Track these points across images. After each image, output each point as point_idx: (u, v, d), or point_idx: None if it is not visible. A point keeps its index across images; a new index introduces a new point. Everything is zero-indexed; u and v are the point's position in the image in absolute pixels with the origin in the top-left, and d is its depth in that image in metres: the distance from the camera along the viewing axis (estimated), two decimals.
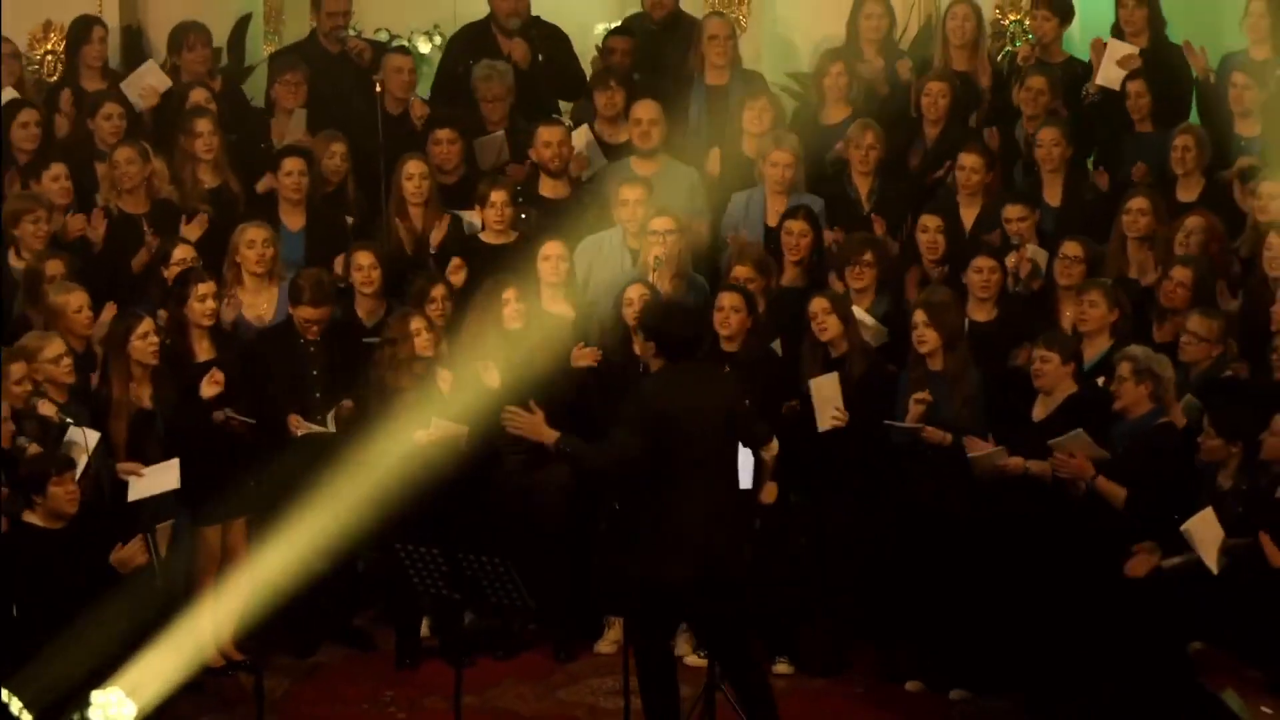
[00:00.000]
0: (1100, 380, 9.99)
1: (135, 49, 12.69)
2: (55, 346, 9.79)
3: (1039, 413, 9.94)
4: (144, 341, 9.96)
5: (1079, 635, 9.46)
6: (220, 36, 12.67)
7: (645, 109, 11.64)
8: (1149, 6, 11.94)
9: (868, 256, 10.79)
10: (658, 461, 8.64)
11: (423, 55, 13.35)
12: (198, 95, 11.78)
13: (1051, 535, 9.64)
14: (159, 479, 9.75)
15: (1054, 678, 9.54)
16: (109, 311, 10.39)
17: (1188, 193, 11.18)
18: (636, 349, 9.80)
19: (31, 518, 9.13)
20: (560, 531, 10.37)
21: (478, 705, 9.65)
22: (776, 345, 10.59)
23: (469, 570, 8.68)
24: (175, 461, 9.79)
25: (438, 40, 13.38)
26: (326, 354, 10.58)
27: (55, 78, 12.56)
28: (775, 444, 8.99)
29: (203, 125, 11.43)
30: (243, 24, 12.98)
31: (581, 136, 11.88)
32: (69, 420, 9.53)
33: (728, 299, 10.38)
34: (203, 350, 10.38)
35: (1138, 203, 10.83)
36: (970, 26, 12.05)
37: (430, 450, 10.14)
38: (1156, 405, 9.72)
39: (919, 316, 10.15)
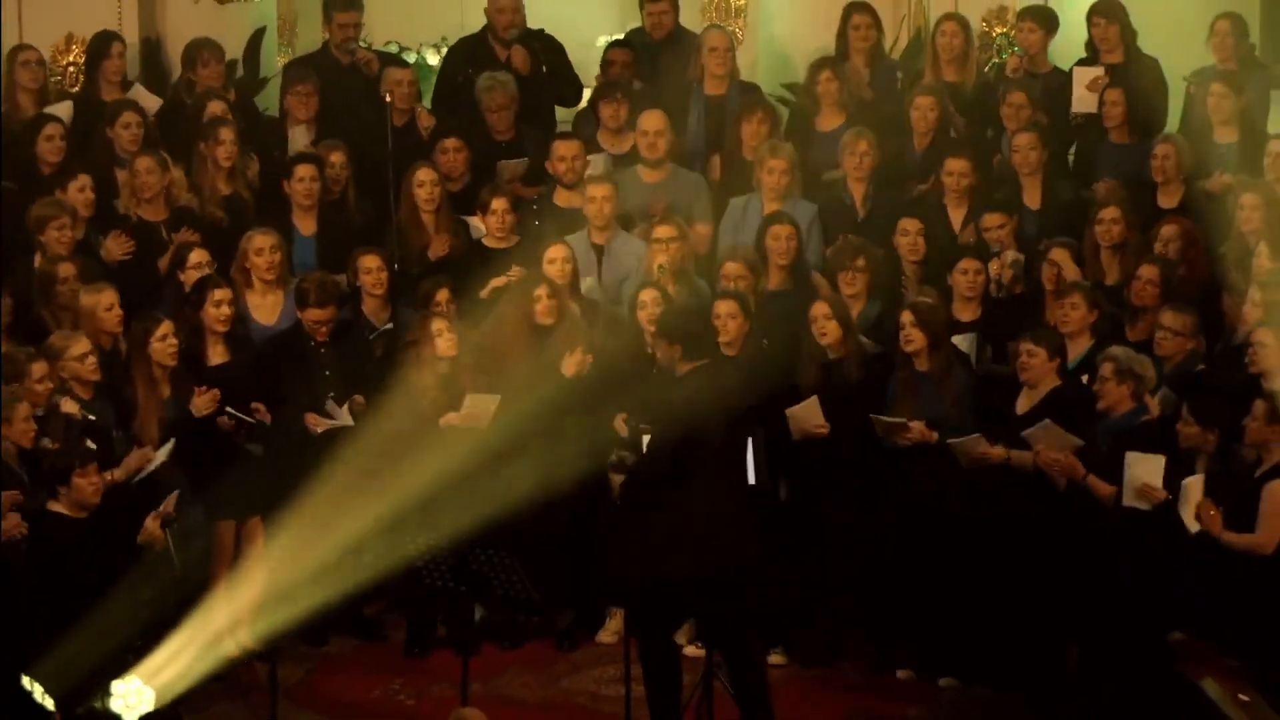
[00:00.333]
0: (1085, 378, 10.13)
1: (154, 61, 12.83)
2: (81, 345, 9.96)
3: (1023, 406, 10.08)
4: (163, 344, 10.14)
5: (1063, 626, 9.66)
6: (236, 49, 12.78)
7: (652, 120, 11.73)
8: (1120, 23, 11.99)
9: (860, 262, 10.86)
10: (672, 461, 8.78)
11: (431, 67, 13.39)
12: (215, 107, 11.89)
13: (1036, 530, 9.78)
14: (163, 454, 9.90)
15: (1040, 668, 9.72)
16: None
17: (1168, 199, 11.27)
18: (659, 356, 9.65)
19: (56, 507, 9.27)
20: (566, 524, 10.42)
21: (484, 693, 9.68)
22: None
23: (475, 564, 8.76)
24: (171, 441, 9.88)
25: (445, 52, 13.37)
26: (336, 355, 10.69)
27: (76, 88, 12.67)
28: None
29: (226, 134, 11.56)
30: (258, 36, 13.08)
31: (599, 165, 11.94)
32: (91, 417, 9.69)
33: (724, 306, 10.45)
34: (216, 354, 10.54)
35: (1110, 212, 10.91)
36: (959, 41, 12.14)
37: (458, 433, 10.22)
38: (1138, 404, 9.86)
39: (906, 317, 10.25)
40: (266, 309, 11.07)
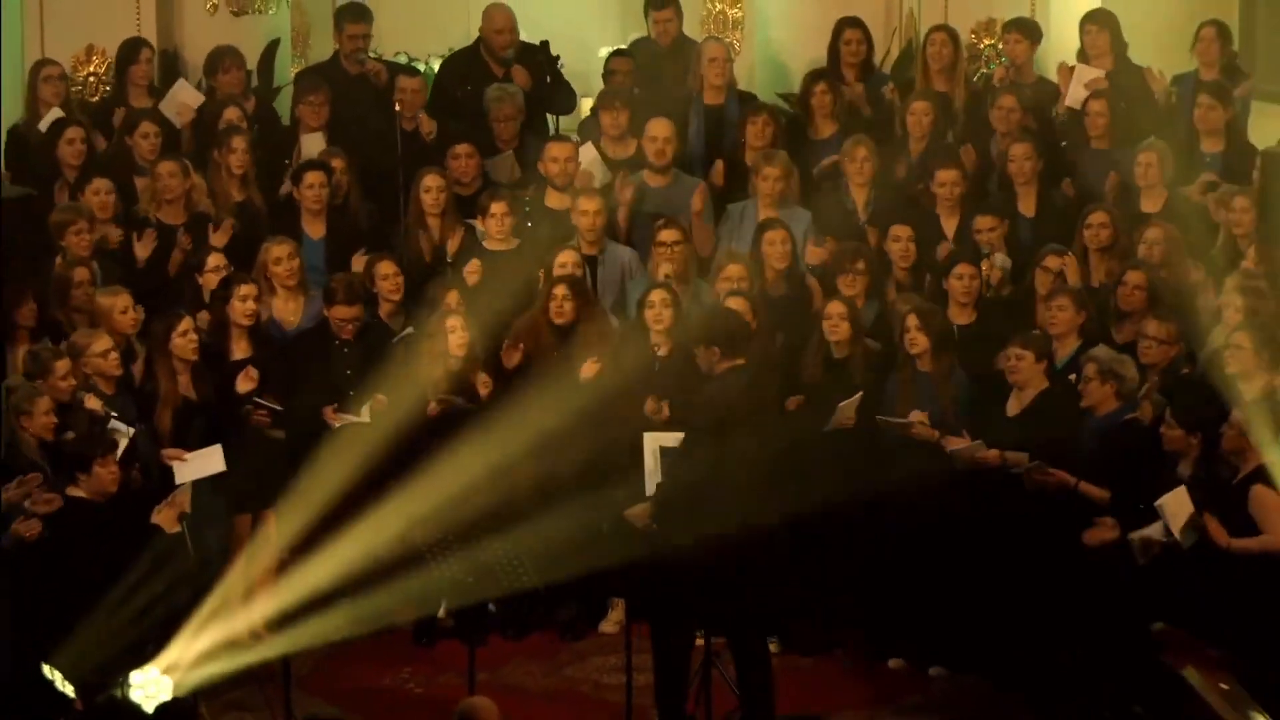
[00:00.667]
0: (1072, 377, 10.28)
1: (172, 71, 12.94)
2: (103, 342, 10.16)
3: (1013, 407, 10.24)
4: (184, 339, 10.35)
5: (1048, 616, 9.75)
6: (251, 60, 12.90)
7: (660, 127, 11.84)
8: (1110, 32, 12.18)
9: (860, 265, 11.00)
10: (708, 458, 8.95)
11: None
12: (231, 114, 12.08)
13: (1023, 524, 9.90)
14: (204, 463, 10.02)
15: (1026, 657, 9.82)
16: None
17: (1151, 204, 11.40)
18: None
19: (76, 491, 9.41)
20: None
21: (490, 681, 9.79)
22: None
23: (482, 557, 8.91)
24: (218, 447, 10.06)
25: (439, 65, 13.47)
26: (360, 353, 10.84)
27: (97, 98, 12.84)
28: None
29: (238, 142, 11.75)
30: (272, 47, 13.14)
31: (588, 153, 12.12)
32: (113, 414, 9.86)
33: (736, 305, 10.40)
34: (240, 349, 10.73)
35: (1098, 217, 11.10)
36: (948, 51, 12.33)
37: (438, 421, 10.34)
38: (1122, 403, 10.02)
39: (911, 320, 10.39)
40: (289, 313, 11.26)
